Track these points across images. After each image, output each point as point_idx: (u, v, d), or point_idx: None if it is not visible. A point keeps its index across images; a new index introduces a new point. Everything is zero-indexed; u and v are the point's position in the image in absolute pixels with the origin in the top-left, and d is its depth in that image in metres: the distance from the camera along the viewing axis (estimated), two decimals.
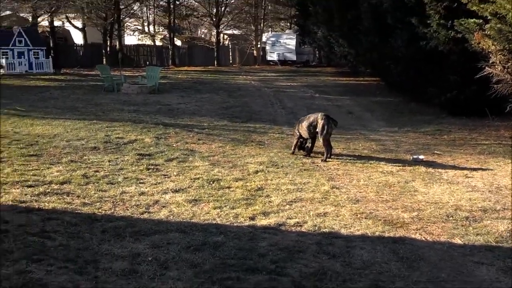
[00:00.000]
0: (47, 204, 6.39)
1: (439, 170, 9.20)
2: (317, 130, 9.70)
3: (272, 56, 41.98)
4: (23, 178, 7.43)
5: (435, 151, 10.90)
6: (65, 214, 6.08)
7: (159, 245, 5.29)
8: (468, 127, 14.04)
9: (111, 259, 4.90)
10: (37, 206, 6.28)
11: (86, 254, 4.97)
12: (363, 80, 27.15)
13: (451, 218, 6.52)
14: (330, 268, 4.93)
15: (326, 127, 9.62)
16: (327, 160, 9.64)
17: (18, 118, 12.85)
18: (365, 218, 6.43)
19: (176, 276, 4.62)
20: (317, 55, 46.39)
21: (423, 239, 5.82)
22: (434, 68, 16.67)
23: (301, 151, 10.21)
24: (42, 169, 8.03)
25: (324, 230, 5.98)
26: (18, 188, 6.96)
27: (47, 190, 6.94)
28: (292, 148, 10.26)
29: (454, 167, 9.44)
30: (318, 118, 9.75)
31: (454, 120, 15.10)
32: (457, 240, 5.79)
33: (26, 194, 6.72)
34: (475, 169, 9.30)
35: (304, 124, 9.91)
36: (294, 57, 40.95)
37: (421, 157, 10.14)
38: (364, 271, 4.91)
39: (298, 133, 10.10)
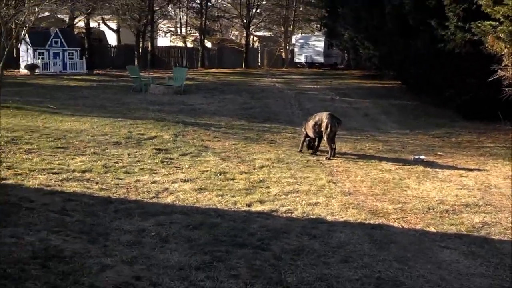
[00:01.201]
0: (68, 188, 7.28)
1: (436, 169, 9.75)
2: (322, 129, 10.35)
3: (300, 59, 42.48)
4: (49, 166, 8.35)
5: (438, 152, 11.41)
6: (84, 196, 6.93)
7: (163, 223, 6.07)
8: (478, 130, 14.44)
9: (119, 233, 5.71)
10: (59, 190, 7.16)
11: (98, 229, 5.79)
12: (386, 83, 27.53)
13: (432, 210, 7.12)
14: (308, 246, 5.62)
15: (330, 125, 10.26)
16: (331, 158, 10.27)
17: (49, 115, 13.90)
18: (352, 208, 7.08)
19: (173, 248, 5.38)
20: (345, 58, 46.73)
21: (400, 226, 6.46)
22: (452, 70, 17.07)
23: (310, 150, 10.86)
24: (67, 160, 8.94)
25: (311, 216, 6.67)
26: (44, 175, 7.86)
27: (69, 177, 7.83)
28: (300, 147, 10.92)
29: (451, 167, 9.97)
30: (323, 117, 10.40)
31: (467, 124, 15.50)
32: (431, 229, 6.40)
33: (51, 180, 7.62)
34: (471, 170, 9.82)
35: (310, 123, 10.58)
36: (321, 60, 41.34)
37: (422, 157, 10.68)
38: (338, 249, 5.58)
39: (305, 132, 10.77)
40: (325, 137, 10.40)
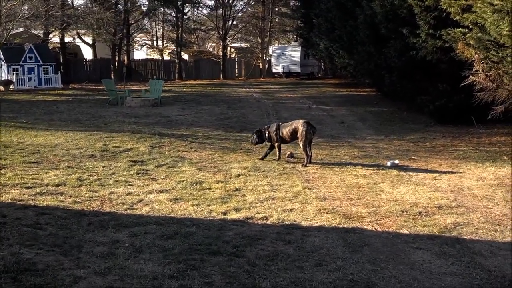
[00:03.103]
0: (42, 202, 7.21)
1: (410, 173, 9.88)
2: (297, 136, 10.43)
3: (277, 69, 42.80)
4: (22, 181, 8.27)
5: (412, 157, 11.56)
6: (57, 210, 6.88)
7: (137, 234, 6.05)
8: (452, 135, 14.67)
9: (93, 245, 5.67)
10: (33, 204, 7.10)
11: (72, 241, 5.75)
12: (362, 91, 27.88)
13: (405, 213, 7.22)
14: (283, 252, 5.65)
15: (305, 133, 10.34)
16: (307, 165, 10.34)
17: (24, 130, 13.76)
18: (327, 213, 7.14)
19: (147, 258, 5.37)
20: (322, 67, 47.18)
21: (373, 229, 6.53)
22: (424, 77, 17.37)
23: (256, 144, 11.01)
24: (41, 174, 8.86)
25: (286, 222, 6.71)
26: (17, 189, 7.78)
27: (43, 191, 7.76)
28: (278, 155, 10.90)
29: (425, 171, 10.11)
30: (299, 125, 10.48)
31: (441, 128, 15.74)
32: (404, 231, 6.49)
33: (24, 194, 7.55)
34: (444, 173, 9.96)
35: (286, 130, 10.62)
36: (298, 69, 41.71)
37: (396, 162, 10.81)
38: (312, 253, 5.63)
39: (277, 138, 10.73)
40: (301, 144, 10.48)
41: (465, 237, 6.31)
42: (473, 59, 13.33)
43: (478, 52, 12.93)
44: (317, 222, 6.73)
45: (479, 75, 13.45)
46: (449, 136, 14.53)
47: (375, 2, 18.86)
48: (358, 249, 5.79)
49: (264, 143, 11.12)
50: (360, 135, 15.00)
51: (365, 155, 11.73)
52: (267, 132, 10.86)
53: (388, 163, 10.67)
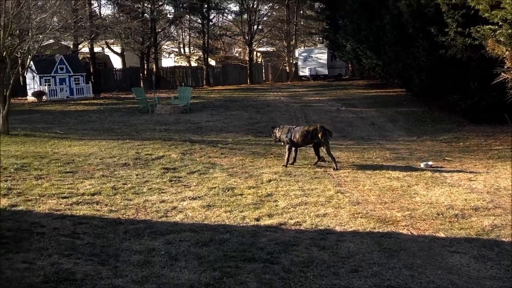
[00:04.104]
0: (78, 211, 7.35)
1: (444, 174, 9.73)
2: (315, 140, 10.46)
3: (304, 71, 42.70)
4: (59, 191, 8.43)
5: (446, 158, 11.39)
6: (94, 219, 7.00)
7: (172, 242, 6.11)
8: (486, 134, 14.40)
9: (130, 253, 5.75)
10: (70, 213, 7.24)
11: (109, 250, 5.84)
12: (391, 92, 27.59)
13: (441, 215, 7.11)
14: (318, 258, 5.63)
15: (326, 137, 10.39)
16: (338, 168, 10.26)
17: (58, 140, 14.05)
18: (361, 217, 7.08)
19: (183, 265, 5.41)
20: (349, 68, 46.88)
21: (409, 233, 6.45)
22: (455, 76, 17.09)
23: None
24: (76, 183, 9.03)
25: (320, 227, 6.68)
26: (54, 199, 7.94)
27: (79, 200, 7.90)
28: (290, 159, 10.69)
29: (459, 172, 9.95)
30: (317, 130, 10.45)
31: (474, 127, 15.47)
32: (441, 234, 6.39)
33: (61, 204, 7.70)
34: (480, 173, 9.79)
35: (300, 133, 10.54)
36: (326, 71, 41.55)
37: (430, 163, 10.66)
38: (348, 259, 5.59)
39: (288, 141, 10.63)
40: (324, 150, 10.49)
41: (504, 240, 6.18)
42: (504, 56, 13.08)
43: (509, 49, 12.68)
44: (351, 227, 6.68)
45: (511, 72, 13.20)
46: (483, 135, 14.26)
47: (401, 2, 18.66)
48: (394, 254, 5.73)
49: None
50: (391, 136, 14.84)
51: (397, 157, 11.60)
52: (279, 135, 10.84)
53: (422, 165, 10.53)
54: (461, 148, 12.69)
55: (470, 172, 9.85)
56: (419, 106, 21.05)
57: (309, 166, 10.64)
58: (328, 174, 9.97)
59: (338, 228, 6.65)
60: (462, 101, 16.45)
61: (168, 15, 42.25)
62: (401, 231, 6.53)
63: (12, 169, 10.11)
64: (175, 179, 9.48)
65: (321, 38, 48.94)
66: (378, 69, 26.07)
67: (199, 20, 42.22)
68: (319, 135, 10.40)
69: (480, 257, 5.65)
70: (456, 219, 6.96)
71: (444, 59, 16.65)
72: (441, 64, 17.33)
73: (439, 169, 10.25)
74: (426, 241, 6.18)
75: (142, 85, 34.14)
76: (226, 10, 45.85)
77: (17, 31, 19.67)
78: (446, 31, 15.71)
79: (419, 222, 6.88)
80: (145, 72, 37.64)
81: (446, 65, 17.13)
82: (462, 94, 16.53)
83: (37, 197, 8.07)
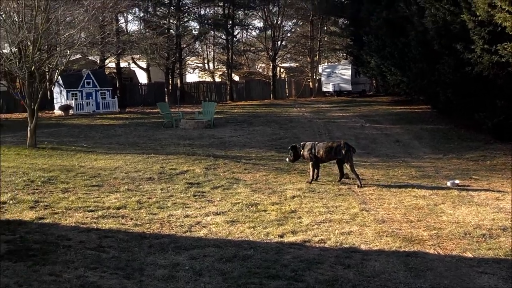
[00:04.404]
0: (104, 225, 7.42)
1: (471, 193, 9.58)
2: (339, 157, 10.43)
3: (328, 87, 42.67)
4: (85, 204, 8.54)
5: (473, 176, 11.22)
6: (119, 233, 7.06)
7: (196, 257, 6.12)
8: None
9: (154, 268, 5.78)
10: (95, 227, 7.32)
11: (134, 264, 5.88)
12: (417, 108, 27.36)
13: (468, 235, 6.99)
14: (343, 276, 5.57)
15: (350, 154, 10.37)
16: (362, 185, 10.19)
17: (84, 154, 14.26)
18: (386, 236, 7.00)
19: (207, 281, 5.42)
20: (373, 85, 46.69)
21: (436, 253, 6.35)
22: (481, 93, 16.90)
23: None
24: (102, 197, 9.13)
25: (345, 245, 6.63)
26: (80, 213, 8.05)
27: (105, 214, 7.99)
28: (315, 175, 10.68)
29: (487, 190, 9.79)
30: (341, 146, 10.44)
31: (502, 146, 15.22)
32: (468, 254, 6.28)
33: (87, 217, 7.80)
34: (507, 192, 9.60)
35: (325, 149, 10.51)
36: (349, 87, 41.45)
37: (456, 181, 10.51)
38: (373, 278, 5.52)
39: (313, 157, 10.62)
40: (348, 166, 10.45)
41: None
42: None
43: None
44: (376, 246, 6.61)
45: None
46: (510, 153, 14.00)
47: (426, 18, 18.59)
48: (421, 274, 5.65)
49: (299, 159, 11.06)
50: (416, 154, 14.68)
51: (423, 175, 11.47)
52: (302, 151, 10.79)
53: (448, 183, 10.38)
54: (488, 166, 12.49)
55: (498, 191, 9.68)
56: (444, 123, 20.82)
57: (333, 183, 10.58)
58: (353, 191, 9.90)
59: (363, 247, 6.58)
60: (489, 118, 16.24)
61: (193, 31, 42.79)
62: (427, 250, 6.44)
63: (39, 182, 10.28)
64: (199, 194, 9.52)
65: (345, 54, 48.91)
66: (403, 86, 25.91)
67: (223, 36, 42.62)
68: (343, 152, 10.36)
69: (509, 278, 5.53)
70: (483, 239, 6.84)
71: (470, 76, 16.49)
72: (467, 81, 17.17)
73: (465, 187, 10.10)
74: (453, 261, 6.08)
75: (166, 99, 34.50)
76: (250, 26, 46.22)
77: (46, 46, 20.13)
78: (473, 48, 15.57)
79: (446, 241, 6.77)
80: (170, 87, 38.05)
81: (472, 82, 16.97)
82: (488, 112, 16.32)
83: (64, 210, 8.18)
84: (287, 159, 11.30)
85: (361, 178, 10.43)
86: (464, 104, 18.09)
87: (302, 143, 11.08)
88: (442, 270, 5.79)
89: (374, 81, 45.18)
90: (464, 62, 16.45)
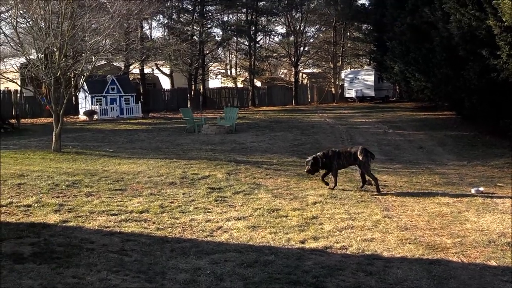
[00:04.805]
0: (127, 228, 7.50)
1: (496, 201, 9.42)
2: (357, 162, 10.39)
3: (350, 93, 42.49)
4: (108, 208, 8.64)
5: (498, 183, 11.03)
6: (142, 236, 7.12)
7: (217, 262, 6.14)
8: None
9: (176, 272, 5.81)
10: (118, 230, 7.39)
11: (156, 268, 5.92)
12: (441, 115, 27.08)
13: (493, 243, 6.88)
14: (365, 283, 5.53)
15: (368, 160, 10.33)
16: (380, 190, 10.12)
17: (108, 158, 14.43)
18: (409, 243, 6.93)
19: (228, 286, 5.43)
20: (397, 90, 46.33)
21: (459, 261, 6.26)
22: (507, 99, 16.65)
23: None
24: (125, 201, 9.23)
25: (367, 252, 6.57)
26: (103, 216, 8.14)
27: (128, 218, 8.07)
28: (336, 181, 10.61)
29: None
30: (358, 152, 10.39)
31: None
32: (492, 262, 6.17)
33: (110, 221, 7.88)
34: None
35: (346, 155, 10.51)
36: (372, 93, 41.21)
37: (481, 189, 10.34)
38: (396, 286, 5.47)
39: (336, 164, 10.57)
40: (364, 170, 10.39)
41: None
42: None
43: None
44: (399, 253, 6.54)
45: None
46: None
47: (451, 24, 18.40)
48: (444, 282, 5.57)
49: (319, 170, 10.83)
50: (440, 160, 14.51)
51: (447, 182, 11.32)
52: (324, 159, 10.58)
53: (473, 191, 10.23)
54: None
55: None
56: (469, 129, 20.54)
57: (355, 189, 10.51)
58: (375, 198, 9.82)
59: (385, 254, 6.52)
60: None
61: (216, 38, 43.09)
62: (451, 258, 6.35)
63: (63, 186, 10.43)
64: (220, 199, 9.55)
65: (368, 60, 48.68)
66: (427, 92, 25.65)
67: (246, 42, 42.84)
68: (360, 157, 10.32)
69: None
70: (508, 247, 6.71)
71: (495, 82, 16.26)
72: (493, 87, 16.93)
73: (490, 195, 9.94)
74: (477, 269, 5.99)
75: (189, 105, 34.76)
76: (273, 32, 46.34)
77: (72, 52, 20.48)
78: (498, 54, 15.36)
79: (469, 249, 6.67)
80: (193, 93, 38.34)
81: (498, 89, 16.72)
82: None
83: (87, 214, 8.29)
84: (306, 171, 10.97)
85: (385, 185, 10.35)
86: (489, 111, 17.84)
87: (322, 153, 10.80)
88: (466, 278, 5.70)
89: (397, 87, 44.82)
90: (489, 68, 16.23)
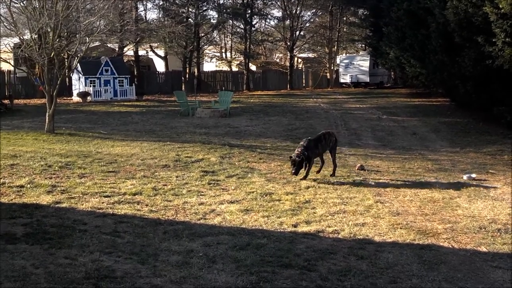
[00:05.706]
0: (120, 210, 7.50)
1: (488, 187, 9.50)
2: (328, 148, 10.53)
3: (345, 78, 42.39)
4: (101, 190, 8.63)
5: (490, 170, 11.11)
6: (134, 218, 7.13)
7: (210, 244, 6.17)
8: None
9: (168, 254, 5.84)
10: (111, 212, 7.40)
11: (148, 250, 5.94)
12: (435, 101, 27.10)
13: (483, 229, 6.94)
14: (356, 267, 5.58)
15: (335, 144, 10.67)
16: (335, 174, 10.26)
17: (101, 140, 14.38)
18: (401, 228, 6.98)
19: (221, 268, 5.46)
20: (391, 76, 46.28)
21: (450, 246, 6.32)
22: (501, 87, 16.68)
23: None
24: (118, 183, 9.22)
25: (358, 237, 6.62)
26: (96, 198, 8.14)
27: (121, 200, 8.07)
28: (308, 170, 10.05)
29: (503, 185, 9.69)
30: (332, 136, 10.66)
31: None
32: (483, 248, 6.24)
33: (103, 203, 7.88)
34: None
35: (322, 143, 10.50)
36: (367, 79, 41.14)
37: (473, 175, 10.42)
38: (386, 270, 5.52)
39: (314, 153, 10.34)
40: (333, 155, 10.56)
41: None
42: None
43: None
44: (390, 238, 6.59)
45: None
46: None
47: (448, 10, 18.35)
48: (434, 267, 5.63)
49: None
50: (433, 147, 14.58)
51: (439, 168, 11.39)
52: (307, 152, 9.89)
53: (465, 177, 10.31)
54: (506, 161, 12.35)
55: None
56: (463, 116, 20.61)
57: (348, 174, 10.55)
58: (368, 183, 9.86)
59: (377, 238, 6.57)
60: (508, 112, 16.04)
61: (212, 20, 42.76)
62: (441, 243, 6.41)
63: (56, 167, 10.40)
64: (213, 182, 9.56)
65: (363, 45, 48.53)
66: (422, 78, 25.67)
67: (241, 26, 42.54)
68: (333, 141, 10.55)
69: None
70: (498, 233, 6.79)
71: (491, 69, 16.28)
72: (488, 74, 16.96)
73: (482, 182, 10.02)
74: (467, 255, 6.05)
75: (183, 88, 34.60)
76: (269, 15, 46.00)
77: (66, 33, 20.28)
78: (494, 41, 15.36)
79: (460, 235, 6.73)
80: (187, 76, 38.14)
81: (493, 76, 16.75)
82: (508, 106, 16.12)
83: (80, 195, 8.28)
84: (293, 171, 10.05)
85: (377, 170, 10.39)
86: (484, 98, 17.88)
87: (302, 146, 10.08)
88: (456, 263, 5.76)
89: (392, 73, 44.77)
90: (484, 55, 16.24)
